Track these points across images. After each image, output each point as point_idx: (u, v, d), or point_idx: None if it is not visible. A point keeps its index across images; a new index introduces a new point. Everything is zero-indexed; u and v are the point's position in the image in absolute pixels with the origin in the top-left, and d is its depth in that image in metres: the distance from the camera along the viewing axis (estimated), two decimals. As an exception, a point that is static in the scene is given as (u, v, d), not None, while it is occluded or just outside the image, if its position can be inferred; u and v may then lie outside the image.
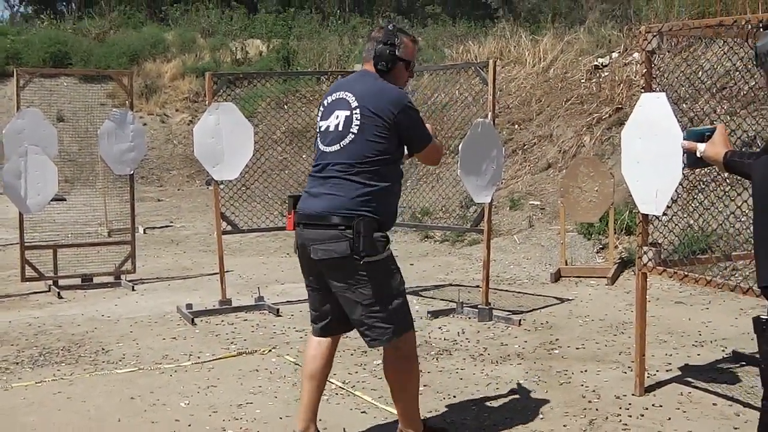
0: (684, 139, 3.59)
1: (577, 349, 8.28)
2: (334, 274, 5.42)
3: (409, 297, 10.04)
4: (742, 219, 7.63)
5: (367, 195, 5.37)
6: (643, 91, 6.71)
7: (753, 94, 9.58)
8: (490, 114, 9.39)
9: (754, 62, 2.88)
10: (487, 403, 6.83)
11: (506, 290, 10.79)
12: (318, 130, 5.71)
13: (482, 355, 8.13)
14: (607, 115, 15.64)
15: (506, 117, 17.70)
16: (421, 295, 10.59)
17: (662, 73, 7.03)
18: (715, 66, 8.92)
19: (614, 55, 17.66)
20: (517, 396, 6.99)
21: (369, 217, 5.32)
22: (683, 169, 3.99)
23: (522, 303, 10.13)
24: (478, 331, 8.93)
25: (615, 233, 11.58)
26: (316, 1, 58.15)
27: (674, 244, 8.22)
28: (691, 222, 7.99)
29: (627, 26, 19.06)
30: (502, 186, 15.37)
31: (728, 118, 10.02)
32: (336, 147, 5.46)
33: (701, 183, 9.21)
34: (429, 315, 9.44)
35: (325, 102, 5.72)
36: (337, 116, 5.53)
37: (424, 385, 7.18)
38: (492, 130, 9.26)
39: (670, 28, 6.82)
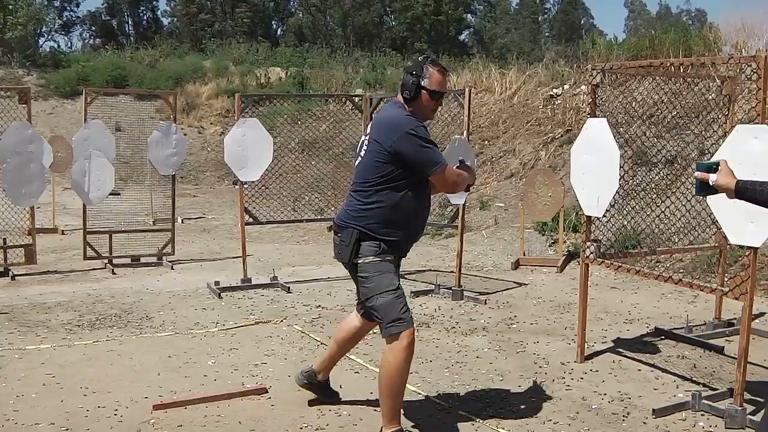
0: (696, 170, 3.63)
1: (531, 324, 8.26)
2: (350, 272, 5.31)
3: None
4: (665, 221, 7.64)
5: (361, 211, 5.09)
6: (588, 116, 6.72)
7: (675, 122, 9.58)
8: (465, 132, 9.40)
9: None
10: (458, 367, 6.83)
11: (475, 275, 10.76)
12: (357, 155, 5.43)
13: (454, 328, 8.11)
14: (560, 135, 15.63)
15: (478, 135, 17.65)
16: (406, 278, 10.50)
17: (604, 103, 7.02)
18: (645, 98, 8.92)
19: (566, 86, 17.64)
20: (482, 361, 6.98)
21: (359, 230, 5.06)
22: (695, 196, 4.04)
23: (488, 286, 10.09)
24: (452, 309, 8.92)
25: (564, 231, 11.56)
26: (326, 37, 58.38)
27: (611, 241, 8.21)
28: (625, 223, 7.98)
29: (576, 64, 19.04)
30: (473, 191, 15.35)
31: (655, 140, 10.03)
32: (356, 168, 5.25)
33: (633, 191, 9.20)
34: (412, 294, 9.39)
35: (367, 130, 5.33)
36: (362, 140, 5.27)
37: (407, 351, 7.20)
38: (466, 144, 9.25)
39: (611, 67, 6.83)
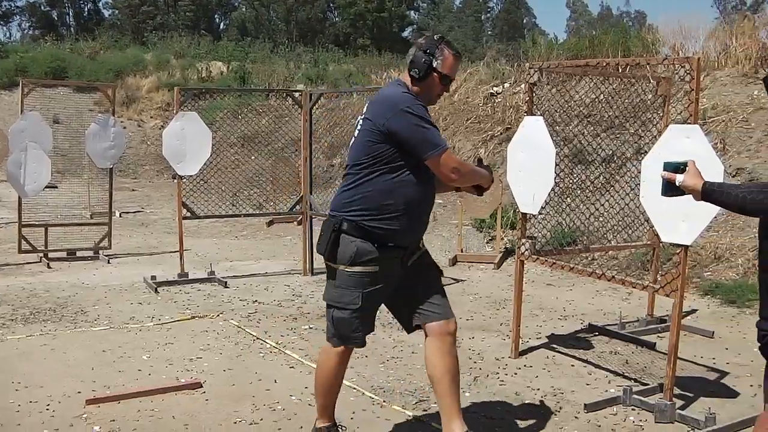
0: (663, 170, 3.53)
1: (467, 320, 8.29)
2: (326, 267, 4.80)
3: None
4: (600, 219, 7.71)
5: (349, 197, 4.59)
6: (526, 114, 6.76)
7: (611, 121, 9.67)
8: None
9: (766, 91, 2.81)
10: (393, 362, 6.85)
11: (413, 271, 10.77)
12: None
13: (391, 323, 8.02)
14: (499, 133, 15.72)
15: (418, 132, 17.69)
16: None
17: (542, 101, 7.08)
18: (583, 97, 9.00)
19: (506, 85, 17.75)
20: (417, 357, 6.99)
21: (342, 218, 4.57)
22: (661, 196, 3.87)
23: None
24: (389, 304, 8.92)
25: (501, 228, 11.65)
26: (269, 32, 58.12)
27: (547, 238, 8.29)
28: (561, 220, 8.05)
29: (517, 63, 19.17)
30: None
31: (591, 138, 10.12)
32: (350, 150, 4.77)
33: (569, 189, 9.28)
34: (350, 290, 9.42)
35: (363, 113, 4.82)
36: (358, 120, 4.75)
37: (343, 346, 7.20)
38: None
39: (548, 66, 6.88)
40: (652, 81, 6.90)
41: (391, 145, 4.47)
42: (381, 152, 4.50)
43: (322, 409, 5.00)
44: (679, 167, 3.55)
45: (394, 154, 4.49)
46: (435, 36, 4.74)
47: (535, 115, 6.69)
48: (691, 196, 3.59)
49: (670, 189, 3.60)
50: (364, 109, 4.68)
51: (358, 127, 4.64)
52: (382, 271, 4.63)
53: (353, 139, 4.69)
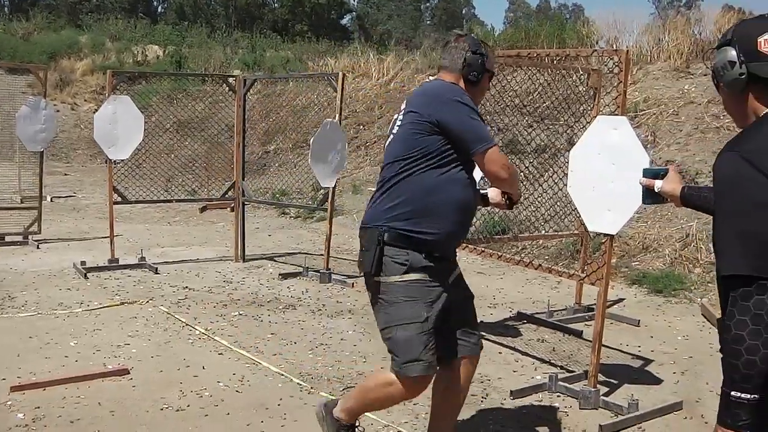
0: (642, 176, 3.43)
1: (397, 307, 8.31)
2: (369, 289, 4.23)
3: (264, 262, 10.15)
4: (531, 208, 7.78)
5: (392, 202, 4.04)
6: (456, 103, 6.77)
7: (547, 112, 9.74)
8: (337, 115, 9.41)
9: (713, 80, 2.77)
10: (322, 349, 6.84)
11: (345, 258, 10.78)
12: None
13: (320, 310, 8.13)
14: (434, 122, 15.77)
15: (354, 119, 17.73)
16: (275, 260, 10.54)
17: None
18: (515, 88, 9.05)
19: (442, 74, 17.81)
20: (345, 343, 7.02)
21: (394, 231, 3.99)
22: (642, 204, 3.76)
23: (356, 269, 10.07)
24: (319, 291, 8.94)
25: (434, 216, 11.67)
26: (208, 17, 57.63)
27: (476, 226, 8.33)
28: (492, 209, 8.09)
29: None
30: (347, 174, 15.39)
31: (524, 129, 10.19)
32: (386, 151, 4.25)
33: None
34: (280, 277, 9.41)
35: (395, 116, 4.30)
36: (394, 118, 4.27)
37: (272, 334, 7.20)
38: (338, 128, 9.27)
39: (479, 55, 6.88)
40: (581, 72, 6.95)
41: (439, 136, 4.01)
42: (427, 145, 4.02)
43: (353, 412, 4.41)
44: (658, 174, 3.46)
45: (446, 146, 4.02)
46: (470, 34, 4.48)
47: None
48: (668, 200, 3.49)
49: (650, 196, 3.46)
50: (403, 105, 4.23)
51: (398, 123, 4.17)
52: (439, 283, 4.11)
53: (390, 138, 4.23)
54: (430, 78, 4.38)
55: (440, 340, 4.14)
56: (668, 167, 3.49)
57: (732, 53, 2.58)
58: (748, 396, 2.39)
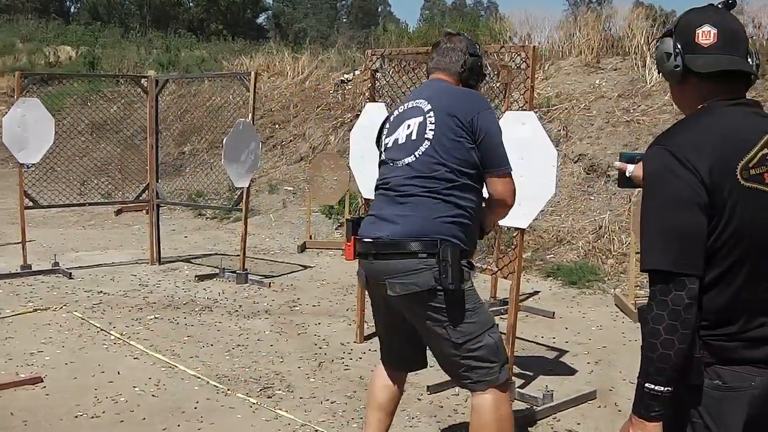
0: (618, 160, 3.33)
1: (314, 306, 8.33)
2: (417, 310, 3.81)
3: (180, 264, 10.07)
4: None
5: (453, 216, 3.75)
6: (368, 101, 6.81)
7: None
8: (250, 115, 9.36)
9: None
10: (239, 350, 6.81)
11: (261, 258, 10.75)
12: (383, 148, 4.08)
13: (237, 311, 8.08)
14: (349, 120, 15.76)
15: (269, 119, 17.64)
16: (192, 262, 10.45)
17: (390, 87, 7.12)
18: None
19: (356, 72, 17.78)
20: (262, 344, 6.99)
21: (453, 243, 3.71)
22: (618, 187, 3.64)
23: (273, 269, 10.10)
24: (236, 292, 8.87)
25: (350, 213, 11.70)
26: (121, 16, 56.88)
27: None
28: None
29: (367, 50, 19.28)
30: (263, 174, 15.34)
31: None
32: (410, 159, 3.83)
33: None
34: (196, 278, 9.33)
35: (391, 117, 4.10)
36: (409, 126, 3.90)
37: (188, 336, 7.14)
38: (251, 128, 9.23)
39: (390, 53, 6.92)
40: (490, 69, 7.00)
41: (474, 146, 3.80)
42: (473, 155, 3.80)
43: None
44: (635, 158, 3.39)
45: (478, 158, 3.82)
46: (462, 34, 4.26)
47: (377, 101, 6.74)
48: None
49: (624, 180, 3.41)
50: (424, 102, 3.92)
51: (429, 125, 3.82)
52: None
53: (426, 143, 3.82)
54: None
55: (416, 353, 4.21)
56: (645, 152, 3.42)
57: (669, 44, 2.57)
58: (662, 389, 2.42)
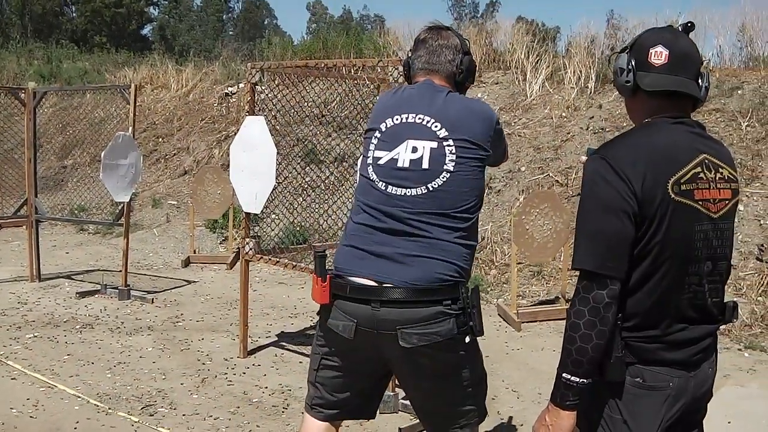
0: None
1: (197, 321, 8.25)
2: (427, 361, 3.29)
3: (61, 280, 9.86)
4: (332, 217, 7.83)
5: (467, 256, 3.32)
6: (248, 114, 6.79)
7: (346, 121, 9.83)
8: (131, 128, 9.23)
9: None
10: (120, 368, 6.70)
11: (144, 274, 10.59)
12: (371, 163, 3.42)
13: (119, 328, 7.94)
14: (233, 133, 15.60)
15: (153, 132, 17.42)
16: (73, 279, 10.23)
17: (273, 102, 7.11)
18: (314, 99, 9.12)
19: (241, 85, 17.66)
20: (145, 361, 6.89)
21: (473, 287, 3.31)
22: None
23: (156, 284, 9.95)
24: (118, 308, 8.71)
25: (234, 228, 11.63)
26: (1, 25, 55.51)
27: (280, 237, 8.35)
28: (293, 220, 8.10)
29: (251, 62, 19.21)
30: (146, 188, 15.14)
31: (323, 138, 10.29)
32: (421, 190, 3.27)
33: (301, 189, 9.37)
34: (77, 295, 9.12)
35: (382, 126, 3.43)
36: (415, 148, 3.31)
37: (68, 355, 6.99)
38: (131, 140, 9.09)
39: (269, 66, 6.93)
40: (368, 83, 7.05)
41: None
42: (483, 186, 3.46)
43: None
44: None
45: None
46: (453, 29, 3.75)
47: (257, 114, 6.73)
48: None
49: None
50: (432, 122, 3.36)
51: (449, 152, 3.31)
52: None
53: (445, 175, 3.31)
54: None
55: (362, 405, 3.67)
56: None
57: (623, 60, 2.70)
58: (577, 380, 2.56)
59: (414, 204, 3.27)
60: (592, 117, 11.86)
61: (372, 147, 3.44)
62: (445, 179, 3.27)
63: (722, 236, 2.69)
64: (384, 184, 3.34)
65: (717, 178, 2.66)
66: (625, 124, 11.20)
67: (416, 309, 3.20)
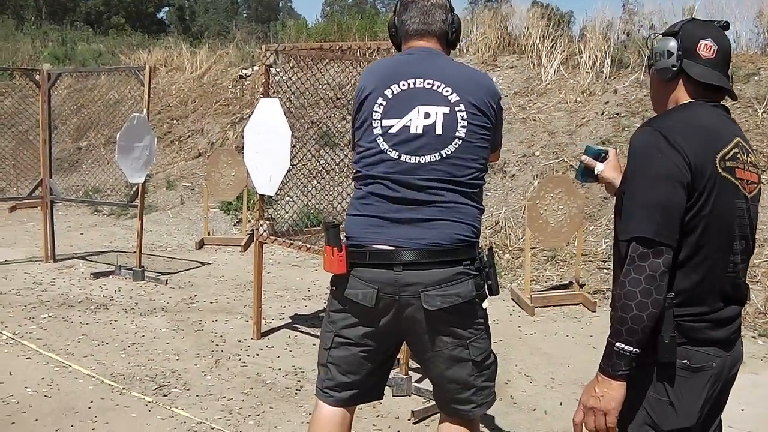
0: (584, 153, 3.29)
1: (211, 303, 8.26)
2: (446, 326, 3.28)
3: (76, 261, 9.89)
4: (347, 200, 7.81)
5: (479, 217, 3.35)
6: (262, 96, 6.77)
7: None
8: (145, 110, 9.23)
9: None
10: (134, 348, 6.71)
11: (158, 255, 10.61)
12: (379, 132, 3.29)
13: (133, 309, 7.96)
14: (248, 116, 15.61)
15: (167, 114, 17.44)
16: (87, 260, 10.26)
17: (285, 83, 7.10)
18: (329, 81, 9.09)
19: (255, 67, 17.67)
20: (159, 341, 6.91)
21: (487, 248, 3.39)
22: (576, 179, 3.54)
23: (170, 266, 9.98)
24: (132, 289, 8.73)
25: (248, 210, 11.64)
26: (16, 7, 55.53)
27: (295, 219, 8.36)
28: (307, 202, 8.09)
29: (266, 44, 19.18)
30: (160, 170, 15.16)
31: (338, 123, 10.27)
32: (435, 156, 3.22)
33: (316, 171, 9.37)
34: (92, 276, 9.15)
35: (387, 93, 3.29)
36: (428, 114, 3.23)
37: (83, 335, 7.02)
38: (145, 122, 9.09)
39: (284, 48, 6.91)
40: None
41: None
42: (488, 153, 3.44)
43: None
44: (599, 154, 3.33)
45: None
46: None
47: (272, 96, 6.71)
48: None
49: (588, 175, 3.36)
50: (443, 87, 3.29)
51: (460, 118, 3.27)
52: None
53: (458, 141, 3.27)
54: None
55: (377, 386, 3.65)
56: (608, 149, 3.33)
57: (672, 44, 2.76)
58: (631, 349, 2.57)
59: (428, 172, 3.24)
60: (607, 102, 11.82)
61: (377, 116, 3.31)
62: (457, 146, 3.25)
63: (752, 217, 2.78)
64: (396, 153, 3.27)
65: (748, 162, 2.74)
66: (640, 110, 11.17)
67: (438, 270, 3.19)
